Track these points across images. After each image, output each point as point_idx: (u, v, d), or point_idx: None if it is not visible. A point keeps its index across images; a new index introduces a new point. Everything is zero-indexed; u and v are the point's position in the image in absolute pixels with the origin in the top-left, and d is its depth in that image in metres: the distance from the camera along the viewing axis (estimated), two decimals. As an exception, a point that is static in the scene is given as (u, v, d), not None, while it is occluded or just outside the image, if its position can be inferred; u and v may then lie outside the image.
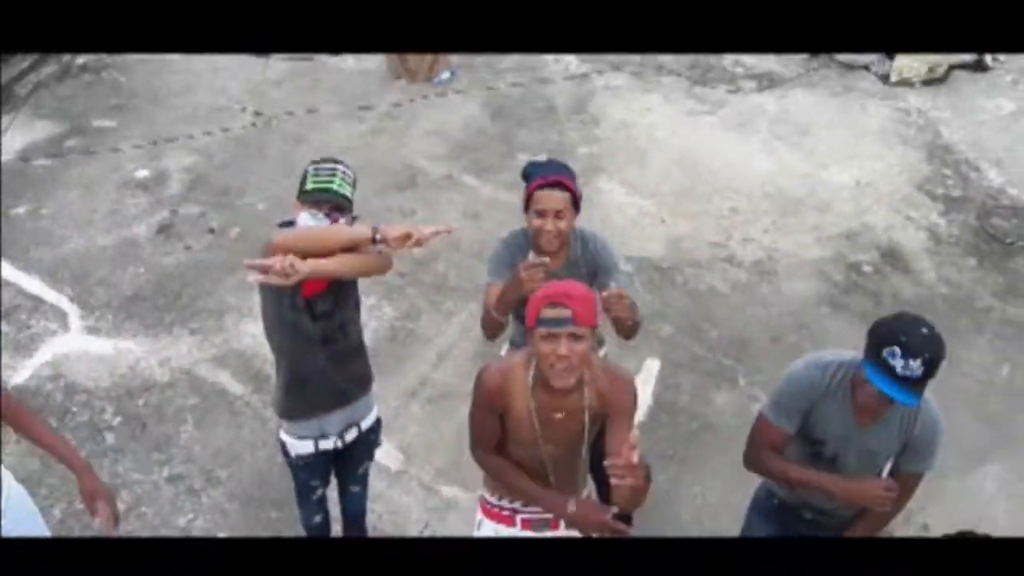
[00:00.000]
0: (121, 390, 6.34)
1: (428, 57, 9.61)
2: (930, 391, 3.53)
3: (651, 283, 7.24)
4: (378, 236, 3.89)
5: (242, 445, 6.01)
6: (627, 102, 9.54)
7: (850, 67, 10.09)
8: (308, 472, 4.67)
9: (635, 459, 3.12)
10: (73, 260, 7.41)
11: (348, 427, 4.57)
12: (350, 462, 4.82)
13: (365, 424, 4.66)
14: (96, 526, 4.02)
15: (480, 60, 10.04)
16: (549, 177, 4.24)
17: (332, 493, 5.02)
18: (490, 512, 4.12)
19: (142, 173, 8.42)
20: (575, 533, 3.96)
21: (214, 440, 6.04)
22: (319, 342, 4.26)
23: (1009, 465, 5.94)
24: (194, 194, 8.17)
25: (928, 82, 9.78)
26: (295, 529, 5.23)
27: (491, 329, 4.42)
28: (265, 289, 4.23)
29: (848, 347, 6.17)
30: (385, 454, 5.74)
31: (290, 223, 4.16)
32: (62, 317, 6.90)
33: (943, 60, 9.81)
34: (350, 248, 4.02)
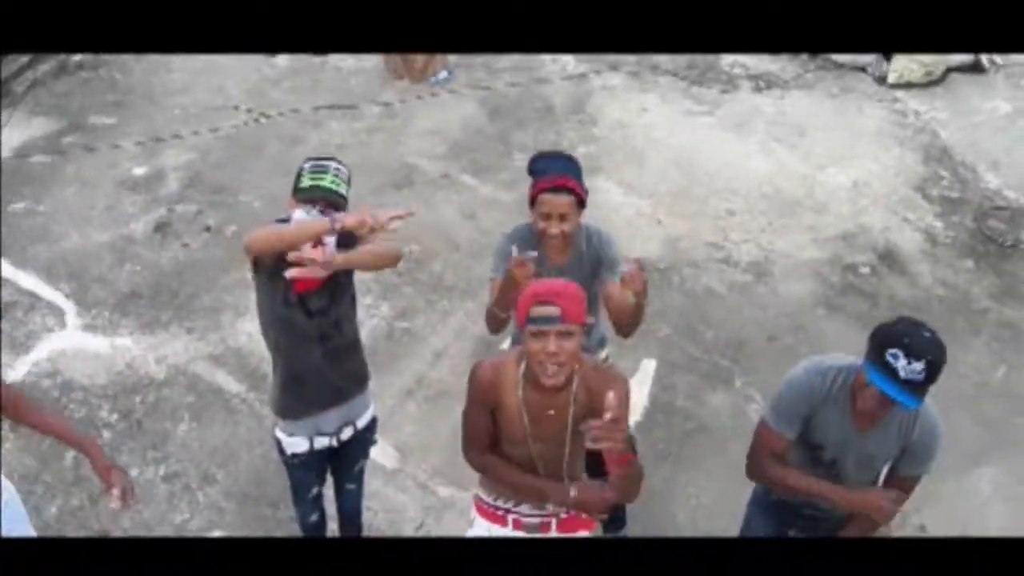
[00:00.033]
0: (117, 388, 6.34)
1: (426, 56, 9.60)
2: (928, 395, 3.53)
3: (648, 283, 7.22)
4: (337, 225, 3.87)
5: (238, 443, 6.01)
6: (624, 102, 9.54)
7: (847, 68, 10.08)
8: (303, 470, 4.68)
9: (609, 417, 3.11)
10: (70, 257, 7.40)
11: (344, 426, 4.58)
12: (346, 460, 4.83)
13: (361, 423, 4.66)
14: (112, 504, 4.04)
15: (478, 60, 10.03)
16: (555, 180, 4.22)
17: (328, 491, 5.02)
18: (484, 511, 4.13)
19: (139, 171, 8.40)
20: (565, 535, 3.98)
21: (210, 438, 6.04)
22: (315, 339, 4.27)
23: (1005, 467, 5.95)
24: (191, 192, 8.16)
25: (925, 84, 9.77)
26: (291, 527, 5.24)
27: (493, 324, 4.44)
28: (259, 286, 4.25)
29: (845, 348, 6.18)
30: (381, 452, 5.74)
31: (285, 220, 4.17)
32: (59, 314, 6.90)
33: (940, 62, 9.81)
34: (350, 240, 4.08)
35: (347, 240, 4.14)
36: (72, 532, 5.47)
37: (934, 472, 3.92)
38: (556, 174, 4.26)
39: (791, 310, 7.13)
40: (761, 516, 4.35)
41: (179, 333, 6.77)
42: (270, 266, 4.12)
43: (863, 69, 10.00)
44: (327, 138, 8.80)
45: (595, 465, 3.82)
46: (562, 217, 4.23)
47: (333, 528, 5.20)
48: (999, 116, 9.40)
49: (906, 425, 3.76)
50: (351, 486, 5.01)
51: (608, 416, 3.08)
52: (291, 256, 3.88)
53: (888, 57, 9.83)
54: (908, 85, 9.75)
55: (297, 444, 4.52)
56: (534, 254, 4.02)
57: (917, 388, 3.43)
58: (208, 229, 7.69)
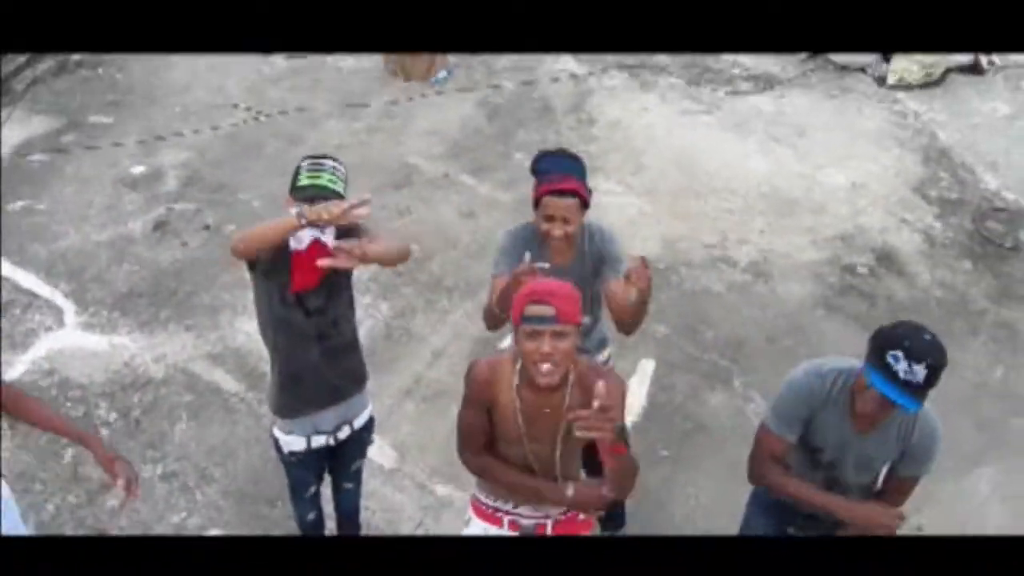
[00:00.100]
0: (116, 386, 6.34)
1: (425, 56, 9.59)
2: (927, 398, 3.54)
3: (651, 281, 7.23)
4: (303, 220, 3.85)
5: (236, 442, 6.01)
6: (624, 102, 9.53)
7: (846, 69, 10.08)
8: (301, 469, 4.68)
9: (597, 405, 3.11)
10: (69, 256, 7.40)
11: (341, 425, 4.59)
12: (343, 459, 4.84)
13: (358, 422, 4.67)
14: (118, 493, 4.07)
15: (477, 59, 10.02)
16: (558, 183, 4.22)
17: (326, 490, 5.03)
18: (480, 512, 4.12)
19: (138, 169, 8.40)
20: (560, 534, 3.99)
21: (208, 437, 6.04)
22: (312, 338, 4.28)
23: (1003, 467, 5.96)
24: (190, 191, 8.16)
25: (924, 85, 9.77)
26: (289, 526, 5.24)
27: (491, 322, 4.45)
28: (256, 285, 4.26)
29: (843, 349, 6.20)
30: (379, 452, 5.76)
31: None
32: (57, 313, 6.89)
33: (939, 63, 9.81)
34: (349, 235, 4.09)
35: (346, 235, 4.17)
36: (69, 530, 5.47)
37: (933, 473, 3.92)
38: (560, 175, 4.25)
39: (790, 310, 7.13)
40: (761, 515, 4.35)
41: (178, 332, 6.76)
42: (266, 264, 4.13)
43: (862, 70, 10.00)
44: (326, 137, 8.79)
45: (593, 463, 3.82)
46: (565, 220, 4.23)
47: (331, 527, 5.20)
48: (998, 118, 9.40)
49: (905, 428, 3.76)
50: (349, 485, 5.01)
51: (596, 405, 3.08)
52: (336, 245, 3.96)
53: (887, 58, 9.84)
54: (907, 86, 9.75)
55: (294, 443, 4.52)
56: (546, 265, 4.03)
57: (917, 391, 3.43)
58: (207, 228, 7.69)
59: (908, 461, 3.85)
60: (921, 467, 3.87)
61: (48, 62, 9.69)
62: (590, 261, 4.43)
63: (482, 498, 4.10)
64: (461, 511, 4.30)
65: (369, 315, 6.80)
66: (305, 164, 4.16)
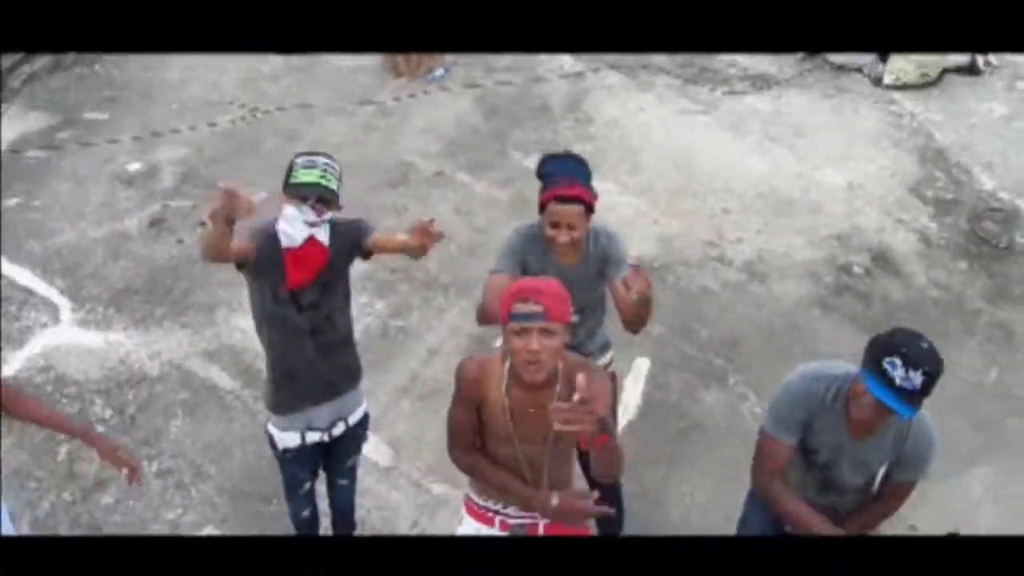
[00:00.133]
0: (111, 383, 6.34)
1: (423, 54, 9.60)
2: (926, 407, 3.54)
3: (650, 282, 7.23)
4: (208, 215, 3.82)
5: (232, 439, 6.01)
6: (621, 101, 9.54)
7: (843, 69, 10.10)
8: (296, 465, 4.68)
9: (577, 398, 3.03)
10: (64, 252, 7.40)
11: (336, 421, 4.59)
12: (338, 456, 4.84)
13: (353, 419, 4.67)
14: (121, 479, 4.13)
15: (475, 57, 10.03)
16: (564, 189, 4.21)
17: (321, 487, 5.03)
18: (473, 511, 4.12)
19: (134, 166, 8.41)
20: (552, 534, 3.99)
21: (204, 434, 6.04)
22: (306, 333, 4.28)
23: (997, 468, 5.96)
24: (186, 188, 8.16)
25: (921, 85, 9.79)
26: (284, 523, 5.23)
27: (483, 320, 4.44)
28: (249, 283, 4.26)
29: (838, 348, 6.23)
30: (375, 450, 5.76)
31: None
32: (53, 309, 6.89)
33: (936, 63, 9.83)
34: (346, 232, 4.21)
35: (344, 232, 4.19)
36: (64, 527, 5.46)
37: (930, 476, 3.93)
38: (565, 180, 4.23)
39: (785, 309, 7.13)
40: (759, 511, 4.34)
41: (173, 329, 6.76)
42: (254, 265, 4.15)
43: (859, 70, 10.02)
44: (323, 135, 8.80)
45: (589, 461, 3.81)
46: (571, 226, 4.22)
47: (326, 524, 5.20)
48: (994, 118, 9.41)
49: (901, 433, 3.76)
50: (343, 482, 5.01)
51: (576, 398, 3.01)
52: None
53: (884, 58, 9.85)
54: (904, 86, 9.77)
55: (289, 439, 4.52)
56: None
57: (913, 398, 3.43)
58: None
59: (903, 465, 3.85)
60: (917, 472, 3.87)
61: (44, 59, 9.69)
62: (595, 263, 4.43)
63: (474, 497, 4.10)
64: (456, 510, 4.30)
65: (365, 313, 6.81)
66: (299, 161, 4.16)
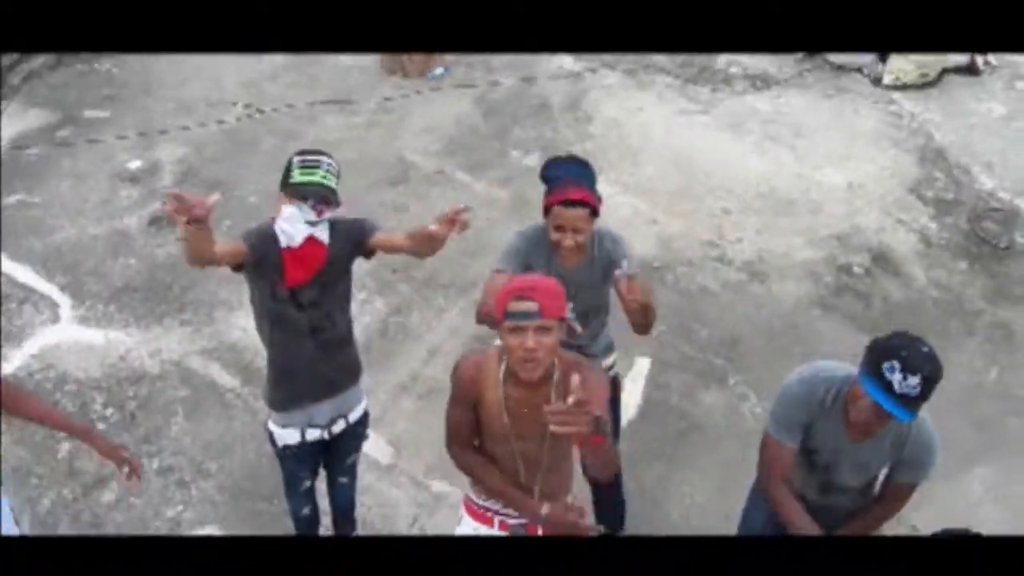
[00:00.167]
0: (111, 381, 6.34)
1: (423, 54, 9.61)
2: (926, 409, 3.55)
3: (647, 288, 7.24)
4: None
5: (232, 438, 6.01)
6: (620, 100, 9.54)
7: (843, 69, 10.09)
8: (296, 462, 4.69)
9: (572, 400, 3.00)
10: (65, 250, 7.40)
11: (336, 418, 4.60)
12: (338, 454, 4.85)
13: (353, 416, 4.69)
14: (121, 479, 4.19)
15: (475, 56, 10.02)
16: (569, 193, 4.21)
17: (321, 485, 5.03)
18: (472, 511, 4.12)
19: (134, 164, 8.41)
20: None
21: (204, 432, 6.04)
22: (307, 331, 4.29)
23: (998, 468, 5.97)
24: (186, 186, 8.14)
25: (920, 85, 9.79)
26: (284, 522, 5.24)
27: (484, 317, 4.44)
28: (251, 281, 4.26)
29: (838, 348, 6.22)
30: (375, 448, 5.77)
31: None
32: (53, 307, 6.90)
33: (935, 63, 9.83)
34: (350, 228, 4.24)
35: (345, 230, 4.20)
36: (65, 524, 5.47)
37: (934, 487, 3.93)
38: (570, 184, 4.23)
39: (785, 310, 7.14)
40: (760, 510, 4.35)
41: (173, 327, 6.77)
42: (250, 266, 4.16)
43: (859, 70, 10.02)
44: (323, 134, 8.80)
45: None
46: (576, 229, 4.22)
47: (326, 522, 5.21)
48: (994, 118, 9.41)
49: (900, 436, 3.76)
50: (344, 479, 5.02)
51: (571, 399, 2.99)
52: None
53: (884, 58, 9.85)
54: (903, 86, 9.77)
55: (289, 436, 4.54)
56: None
57: (911, 402, 3.43)
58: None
59: (904, 468, 3.85)
60: (917, 475, 3.87)
61: (44, 56, 9.68)
62: (599, 266, 4.44)
63: (473, 497, 4.10)
64: (456, 508, 4.31)
65: (365, 312, 6.81)
66: (297, 161, 4.15)
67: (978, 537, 3.04)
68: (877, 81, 9.86)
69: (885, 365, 3.43)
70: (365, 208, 7.02)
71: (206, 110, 9.17)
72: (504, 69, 9.90)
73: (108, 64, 9.78)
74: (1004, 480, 5.89)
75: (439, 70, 9.81)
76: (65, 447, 5.79)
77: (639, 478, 5.68)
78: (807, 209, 8.15)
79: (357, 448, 4.93)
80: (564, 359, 3.62)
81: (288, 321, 4.25)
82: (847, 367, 3.81)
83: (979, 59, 10.01)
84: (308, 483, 4.84)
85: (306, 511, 4.95)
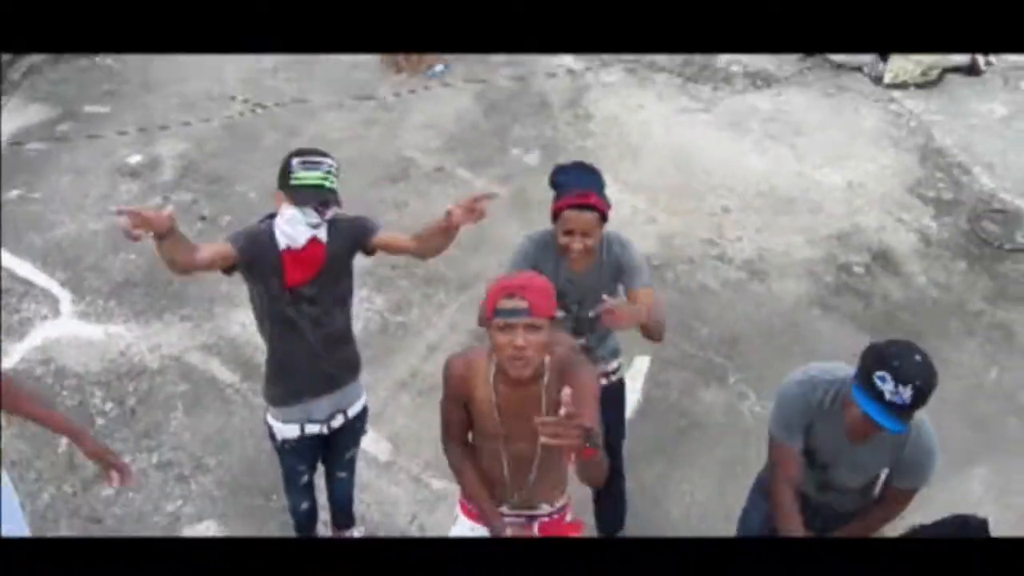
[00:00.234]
0: (111, 375, 6.35)
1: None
2: (925, 411, 3.54)
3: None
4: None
5: (231, 433, 6.02)
6: (621, 98, 9.54)
7: (843, 68, 10.08)
8: (295, 457, 4.70)
9: (563, 412, 2.97)
10: (65, 245, 7.41)
11: (335, 413, 4.61)
12: (337, 448, 4.87)
13: (352, 411, 4.70)
14: (115, 486, 4.15)
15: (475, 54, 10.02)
16: (578, 197, 4.21)
17: (320, 481, 5.04)
18: (467, 509, 4.13)
19: (135, 159, 8.41)
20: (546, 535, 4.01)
21: (204, 427, 6.05)
22: (307, 328, 4.30)
23: (997, 468, 5.97)
24: (186, 181, 8.17)
25: (921, 85, 9.78)
26: (283, 517, 5.25)
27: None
28: (248, 280, 4.27)
29: (838, 348, 6.23)
30: (374, 445, 5.78)
31: (273, 215, 4.20)
32: (53, 302, 6.90)
33: (937, 63, 9.82)
34: (351, 226, 4.27)
35: (344, 229, 4.20)
36: (65, 519, 5.48)
37: (932, 487, 3.93)
38: (579, 189, 4.24)
39: (785, 308, 7.14)
40: (761, 508, 4.35)
41: (173, 322, 6.77)
42: (245, 269, 4.18)
43: (859, 69, 10.01)
44: (323, 130, 8.80)
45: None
46: (585, 233, 4.23)
47: (325, 518, 5.22)
48: (995, 119, 9.41)
49: (899, 440, 3.75)
50: (342, 474, 5.03)
51: (563, 412, 2.97)
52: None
53: (884, 57, 9.84)
54: (904, 85, 9.76)
55: (288, 431, 4.55)
56: None
57: (902, 412, 3.42)
58: (203, 219, 7.69)
59: (902, 472, 3.85)
60: (916, 480, 3.87)
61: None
62: (608, 270, 4.45)
63: (468, 496, 4.12)
64: (455, 505, 4.31)
65: (365, 308, 6.81)
66: (297, 163, 4.13)
67: (983, 525, 3.05)
68: (878, 80, 9.85)
69: (876, 375, 3.42)
70: (365, 205, 7.03)
71: (206, 105, 9.17)
72: (504, 66, 9.89)
73: (108, 59, 9.77)
74: (1004, 480, 5.89)
75: (439, 67, 9.81)
76: (65, 441, 5.77)
77: (639, 476, 5.68)
78: (807, 208, 8.15)
79: (356, 443, 4.94)
80: (555, 357, 3.63)
81: (288, 319, 4.25)
82: (846, 368, 3.80)
83: (980, 59, 10.00)
84: (307, 478, 4.85)
85: (304, 506, 4.96)
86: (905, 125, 9.27)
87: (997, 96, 9.75)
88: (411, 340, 6.73)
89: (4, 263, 7.16)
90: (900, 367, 3.40)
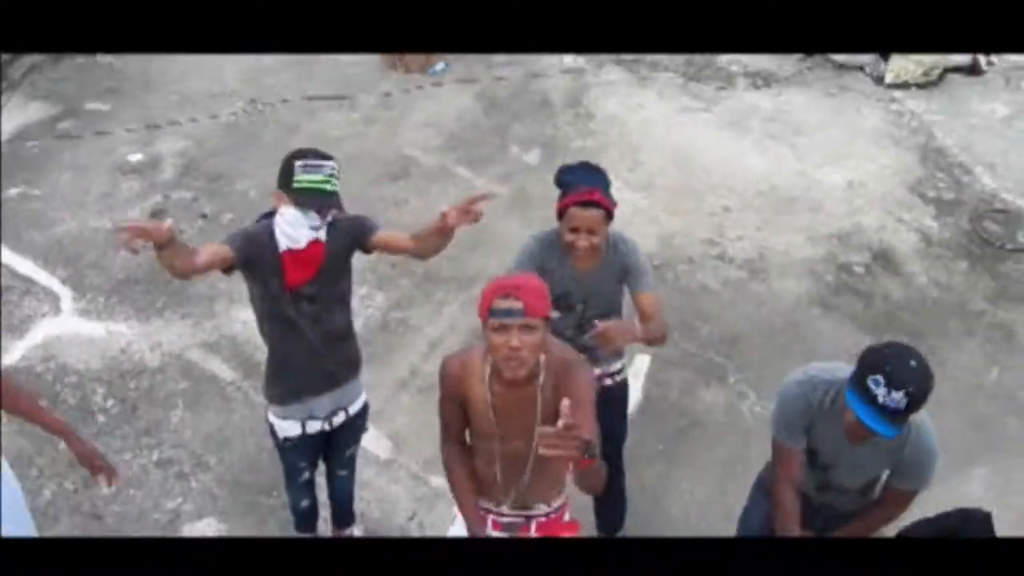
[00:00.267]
0: (112, 373, 6.35)
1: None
2: (925, 410, 3.54)
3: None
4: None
5: (232, 431, 6.02)
6: (622, 97, 9.54)
7: (845, 68, 10.09)
8: (296, 454, 4.71)
9: (561, 424, 2.98)
10: (66, 242, 7.41)
11: (336, 410, 4.62)
12: (337, 445, 4.87)
13: (353, 409, 4.70)
14: (104, 488, 4.22)
15: (476, 52, 10.04)
16: (584, 195, 4.22)
17: (321, 479, 5.04)
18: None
19: (135, 157, 8.41)
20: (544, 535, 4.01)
21: (204, 425, 6.05)
22: (307, 326, 4.30)
23: (997, 468, 5.96)
24: (187, 179, 8.17)
25: (922, 84, 9.78)
26: (283, 515, 5.26)
27: None
28: (247, 280, 4.27)
29: (838, 347, 6.23)
30: (375, 443, 5.78)
31: (270, 214, 4.20)
32: (54, 299, 6.90)
33: (938, 63, 9.82)
34: (352, 226, 4.28)
35: (344, 228, 4.20)
36: (65, 516, 5.48)
37: (932, 487, 3.93)
38: (585, 188, 4.25)
39: (785, 308, 7.14)
40: (761, 505, 4.35)
41: (174, 320, 6.77)
42: (243, 270, 4.18)
43: (861, 68, 10.01)
44: (324, 128, 8.80)
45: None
46: (591, 231, 4.24)
47: (325, 516, 5.23)
48: (996, 119, 9.41)
49: (899, 440, 3.74)
50: (343, 472, 5.04)
51: (561, 424, 2.97)
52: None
53: (886, 57, 9.84)
54: (905, 85, 9.76)
55: (289, 428, 4.55)
56: None
57: (896, 417, 3.42)
58: (204, 217, 7.70)
59: (902, 474, 3.85)
60: (915, 482, 3.88)
61: (45, 49, 9.68)
62: (613, 270, 4.46)
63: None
64: (454, 504, 4.31)
65: (365, 306, 6.82)
66: (299, 165, 4.11)
67: (987, 519, 3.05)
68: (879, 80, 9.85)
69: (870, 379, 3.42)
70: (365, 203, 7.03)
71: (207, 103, 9.17)
72: (505, 65, 9.89)
73: (109, 57, 9.77)
74: (1004, 480, 5.89)
75: (440, 65, 9.81)
76: (66, 438, 5.79)
77: (639, 475, 5.68)
78: (808, 207, 8.15)
79: (356, 440, 4.95)
80: (551, 357, 3.63)
81: (288, 318, 4.26)
82: (846, 368, 3.79)
83: (981, 59, 10.00)
84: (307, 475, 4.85)
85: (305, 503, 4.96)
86: (906, 125, 9.27)
87: (998, 96, 9.75)
88: (411, 338, 6.73)
89: (5, 260, 7.16)
90: (893, 372, 3.39)
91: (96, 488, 5.54)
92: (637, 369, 6.46)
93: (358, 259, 4.42)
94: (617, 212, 4.33)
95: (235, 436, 5.98)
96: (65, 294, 6.95)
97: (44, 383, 6.22)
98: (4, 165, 8.08)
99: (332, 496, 5.17)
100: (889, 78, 9.78)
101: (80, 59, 9.72)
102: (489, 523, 4.05)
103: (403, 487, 5.75)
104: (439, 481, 5.70)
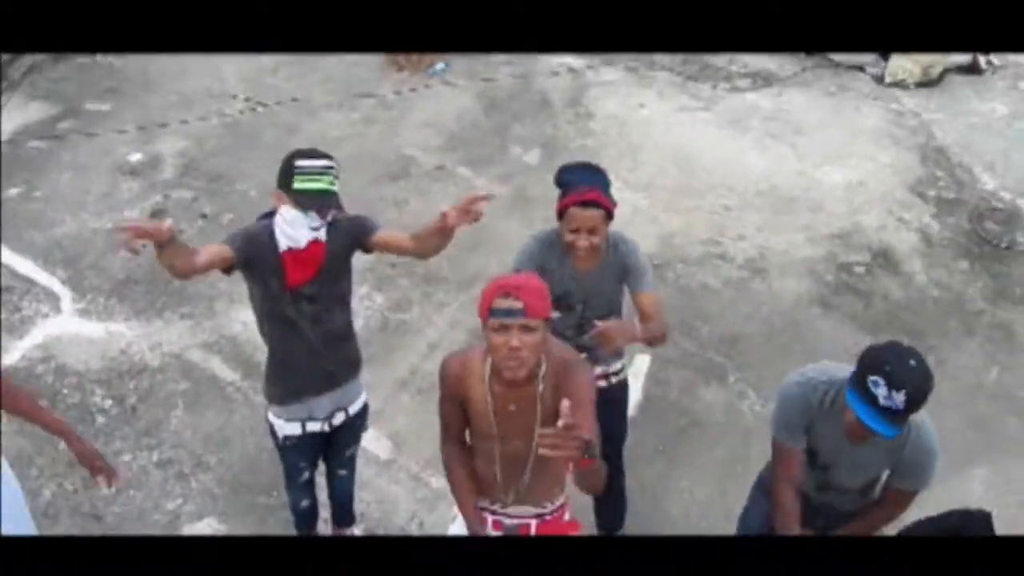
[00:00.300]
0: (112, 373, 6.35)
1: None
2: (925, 410, 3.54)
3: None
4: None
5: (232, 431, 6.02)
6: (622, 97, 9.54)
7: (845, 67, 10.09)
8: (296, 454, 4.70)
9: (561, 424, 2.99)
10: (66, 243, 7.41)
11: (336, 411, 4.61)
12: (337, 445, 4.87)
13: (353, 409, 4.70)
14: (104, 489, 4.22)
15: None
16: (584, 194, 4.22)
17: (321, 479, 5.04)
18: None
19: (135, 157, 8.41)
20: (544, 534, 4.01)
21: (204, 425, 6.05)
22: (307, 326, 4.29)
23: (996, 468, 5.96)
24: (187, 179, 8.17)
25: (922, 84, 9.78)
26: (283, 515, 5.25)
27: None
28: (247, 280, 4.27)
29: (838, 347, 6.23)
30: (375, 443, 5.78)
31: (270, 214, 4.20)
32: (54, 299, 6.90)
33: (937, 62, 9.82)
34: (352, 225, 4.28)
35: (344, 228, 4.20)
36: (66, 516, 5.48)
37: (932, 487, 3.93)
38: (585, 187, 4.25)
39: (785, 307, 7.14)
40: (761, 505, 4.35)
41: (174, 320, 6.77)
42: (242, 270, 4.18)
43: (861, 68, 10.02)
44: (324, 128, 8.80)
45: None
46: (591, 231, 4.23)
47: (325, 516, 5.22)
48: (996, 118, 9.41)
49: (899, 440, 3.74)
50: (343, 472, 5.04)
51: (561, 424, 2.98)
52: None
53: (885, 56, 9.84)
54: (905, 85, 9.76)
55: (289, 428, 4.55)
56: None
57: (896, 417, 3.42)
58: (204, 217, 7.70)
59: (902, 473, 3.85)
60: (915, 482, 3.88)
61: (45, 48, 9.68)
62: (614, 270, 4.46)
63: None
64: (454, 504, 4.31)
65: (365, 307, 6.82)
66: (300, 165, 4.11)
67: (987, 519, 3.05)
68: (879, 79, 9.86)
69: (870, 379, 3.42)
70: (365, 203, 7.03)
71: (207, 103, 9.17)
72: (505, 65, 9.89)
73: (109, 57, 9.77)
74: (1004, 480, 5.89)
75: (440, 65, 9.81)
76: (65, 439, 5.79)
77: (639, 475, 5.68)
78: (808, 207, 8.15)
79: (356, 440, 4.95)
80: (551, 358, 3.62)
81: (288, 318, 4.25)
82: (846, 368, 3.79)
83: (982, 59, 10.01)
84: (308, 475, 4.85)
85: (305, 503, 4.96)
86: (906, 124, 9.27)
87: (998, 95, 9.76)
88: (411, 338, 6.73)
89: (5, 261, 7.16)
90: (893, 372, 3.39)
91: (96, 488, 5.54)
92: (637, 369, 6.46)
93: (358, 259, 4.41)
94: (617, 212, 4.33)
95: (235, 436, 5.98)
96: (65, 294, 6.95)
97: (44, 383, 6.22)
98: (4, 165, 8.08)
99: (332, 496, 5.17)
100: (889, 78, 9.79)
101: (80, 59, 9.72)
102: (489, 523, 4.04)
103: (403, 487, 5.75)
104: (439, 482, 5.70)
